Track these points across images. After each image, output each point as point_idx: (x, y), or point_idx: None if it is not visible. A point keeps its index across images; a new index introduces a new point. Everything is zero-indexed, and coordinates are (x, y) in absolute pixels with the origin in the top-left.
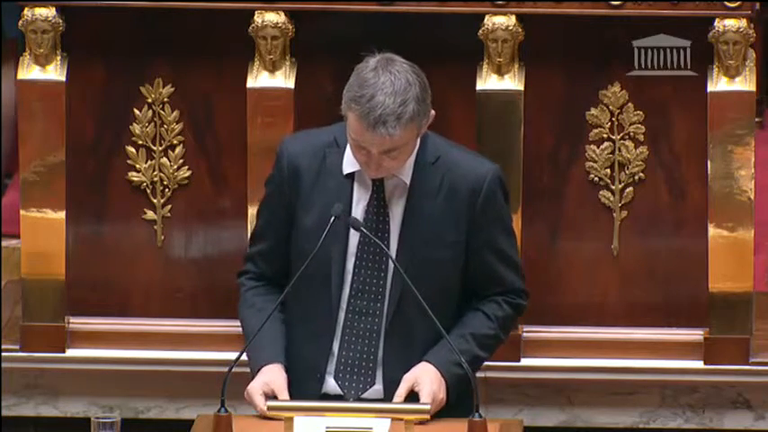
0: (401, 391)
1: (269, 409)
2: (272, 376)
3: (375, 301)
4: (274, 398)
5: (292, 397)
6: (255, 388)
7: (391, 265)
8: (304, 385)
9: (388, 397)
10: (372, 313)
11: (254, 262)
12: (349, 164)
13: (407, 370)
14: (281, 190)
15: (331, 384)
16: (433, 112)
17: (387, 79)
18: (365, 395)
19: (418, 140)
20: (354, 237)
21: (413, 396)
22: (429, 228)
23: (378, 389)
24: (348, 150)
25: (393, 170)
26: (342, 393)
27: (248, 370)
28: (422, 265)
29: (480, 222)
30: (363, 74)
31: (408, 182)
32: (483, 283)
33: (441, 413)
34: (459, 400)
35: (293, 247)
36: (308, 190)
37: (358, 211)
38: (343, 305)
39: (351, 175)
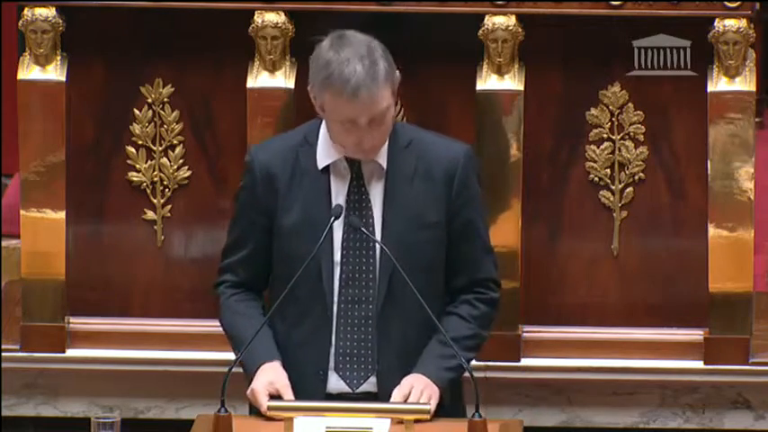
0: (396, 399)
1: (269, 409)
2: (275, 375)
3: (365, 288)
4: (279, 398)
5: (296, 397)
6: (260, 388)
7: (378, 251)
8: (308, 386)
9: (381, 387)
10: (365, 300)
11: (232, 272)
12: (323, 157)
13: (402, 355)
14: (255, 198)
15: (334, 381)
16: (398, 72)
17: (347, 50)
18: (363, 387)
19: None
20: (338, 228)
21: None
22: (409, 210)
23: (372, 381)
24: (320, 145)
25: (382, 143)
26: (345, 391)
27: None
28: (406, 248)
29: (458, 204)
30: (323, 55)
31: (385, 165)
32: (455, 267)
33: (440, 412)
34: (452, 401)
35: (276, 251)
36: (285, 192)
37: (339, 201)
38: (335, 296)
39: (326, 169)
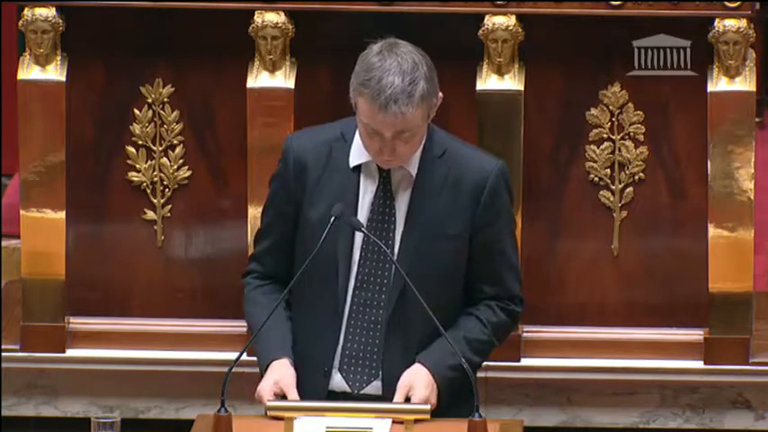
0: (398, 399)
1: (269, 409)
2: (281, 374)
3: (379, 292)
4: (283, 397)
5: (300, 394)
6: (266, 389)
7: (395, 256)
8: (312, 382)
9: (386, 390)
10: (376, 305)
11: (259, 261)
12: (356, 156)
13: (408, 363)
14: (287, 186)
15: (337, 380)
16: (441, 94)
17: (393, 61)
18: (365, 390)
19: (426, 129)
20: None
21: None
22: (433, 220)
23: (377, 385)
24: (355, 143)
25: (406, 157)
26: (347, 390)
27: (248, 370)
28: (425, 257)
29: (483, 219)
30: (369, 59)
31: (415, 174)
32: (479, 283)
33: (441, 413)
34: (460, 400)
35: (298, 243)
36: (315, 185)
37: (364, 203)
38: (348, 297)
39: (357, 168)
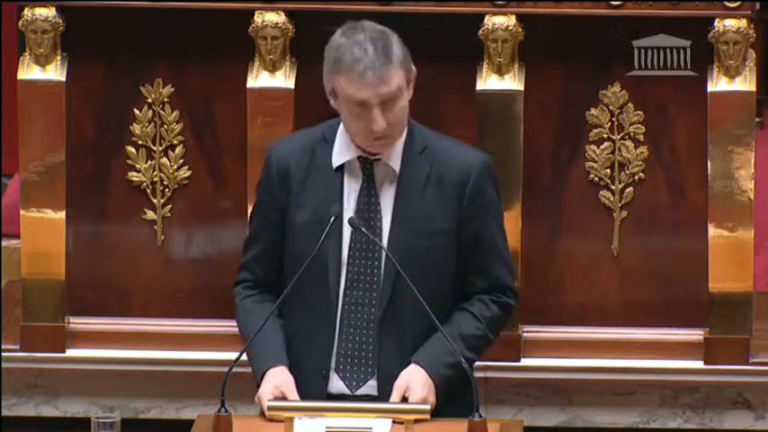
0: (395, 399)
1: (269, 409)
2: (280, 379)
3: (369, 291)
4: (283, 399)
5: (299, 397)
6: (266, 393)
7: (384, 255)
8: (310, 384)
9: (382, 390)
10: (368, 303)
11: (249, 269)
12: (338, 156)
13: (402, 360)
14: (271, 193)
15: (335, 382)
16: (414, 68)
17: (360, 35)
18: (360, 390)
19: (407, 107)
20: (348, 229)
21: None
22: (419, 216)
23: (372, 384)
24: (337, 144)
25: (393, 133)
26: (346, 392)
27: (248, 370)
28: (413, 254)
29: (469, 213)
30: (335, 43)
31: (398, 169)
32: (470, 277)
33: (439, 411)
34: (457, 397)
35: (287, 247)
36: (299, 188)
37: (349, 202)
38: (340, 297)
39: (340, 168)
